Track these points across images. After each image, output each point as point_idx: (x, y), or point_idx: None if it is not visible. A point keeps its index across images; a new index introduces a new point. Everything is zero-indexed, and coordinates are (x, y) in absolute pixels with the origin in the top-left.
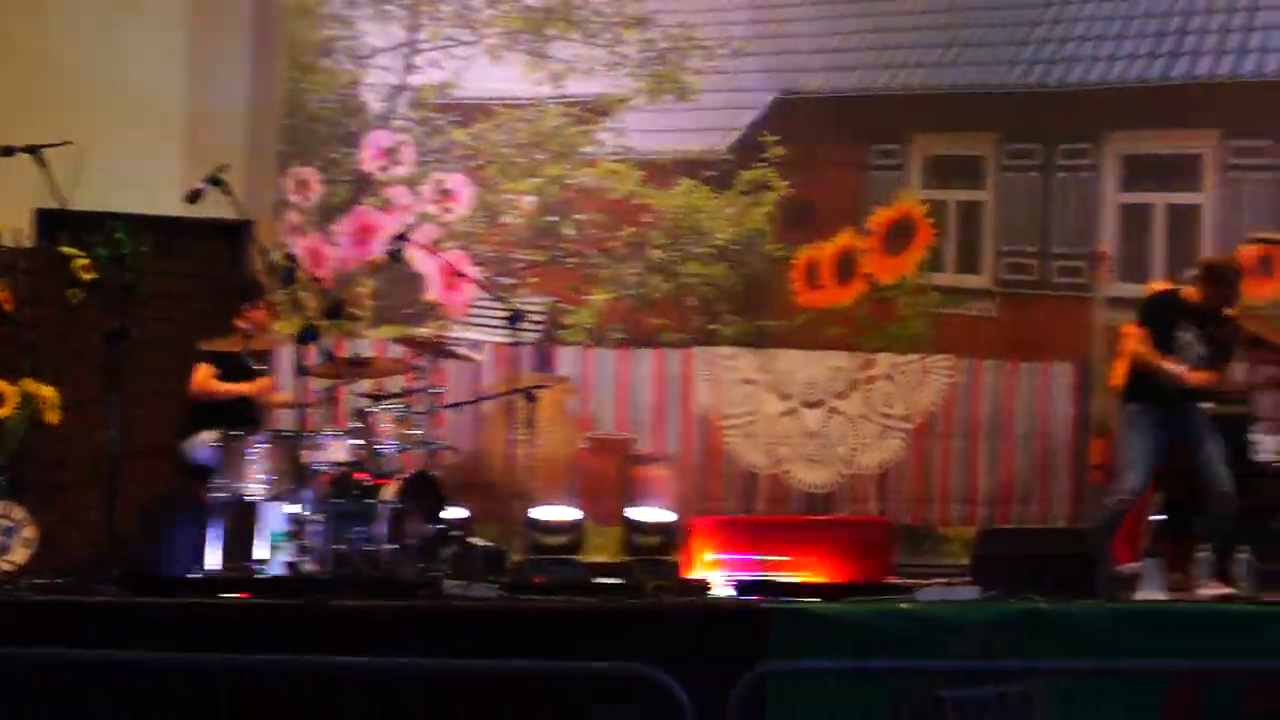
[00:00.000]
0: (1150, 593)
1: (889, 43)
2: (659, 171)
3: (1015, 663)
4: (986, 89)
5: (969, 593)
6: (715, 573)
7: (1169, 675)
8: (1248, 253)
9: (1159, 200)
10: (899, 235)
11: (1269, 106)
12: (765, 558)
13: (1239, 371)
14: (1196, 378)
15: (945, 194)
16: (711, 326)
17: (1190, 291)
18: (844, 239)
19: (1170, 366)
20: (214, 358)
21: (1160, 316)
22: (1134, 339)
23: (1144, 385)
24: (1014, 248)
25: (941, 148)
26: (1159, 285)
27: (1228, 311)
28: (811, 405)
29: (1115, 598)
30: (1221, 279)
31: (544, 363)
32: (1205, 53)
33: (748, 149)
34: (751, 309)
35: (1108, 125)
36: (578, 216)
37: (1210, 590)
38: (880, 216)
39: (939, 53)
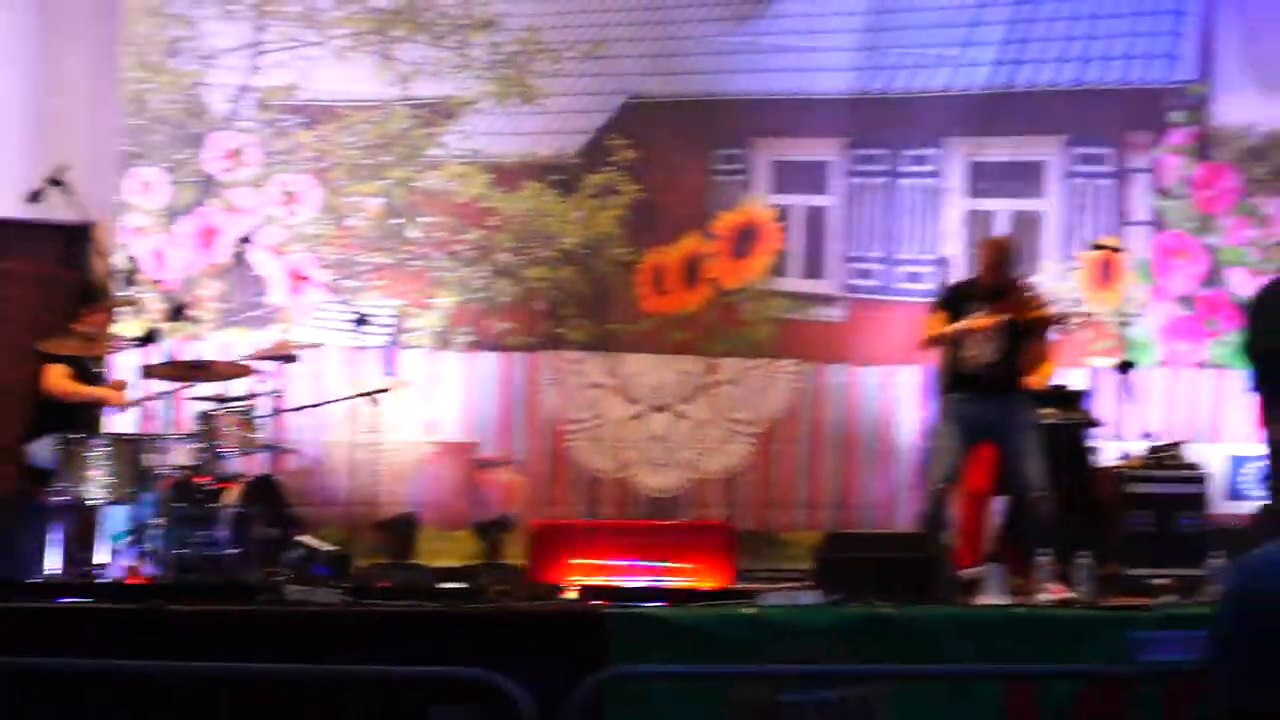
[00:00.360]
0: (991, 597)
1: (736, 48)
2: (506, 175)
3: (856, 667)
4: (832, 95)
5: (811, 597)
6: (559, 577)
7: (1007, 679)
8: (1090, 259)
9: (1003, 206)
10: (745, 240)
11: (1109, 115)
12: (609, 562)
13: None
14: (980, 321)
15: (791, 199)
16: (558, 330)
17: (978, 275)
18: (690, 244)
19: (959, 326)
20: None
21: (952, 300)
22: (926, 324)
23: (958, 377)
24: (859, 253)
25: (788, 153)
26: None
27: (1014, 285)
28: (658, 410)
29: (956, 602)
30: (996, 254)
31: (389, 366)
32: (1048, 61)
33: (595, 153)
34: (598, 313)
35: (953, 132)
36: (424, 219)
37: (1050, 594)
38: (726, 221)
39: (784, 58)
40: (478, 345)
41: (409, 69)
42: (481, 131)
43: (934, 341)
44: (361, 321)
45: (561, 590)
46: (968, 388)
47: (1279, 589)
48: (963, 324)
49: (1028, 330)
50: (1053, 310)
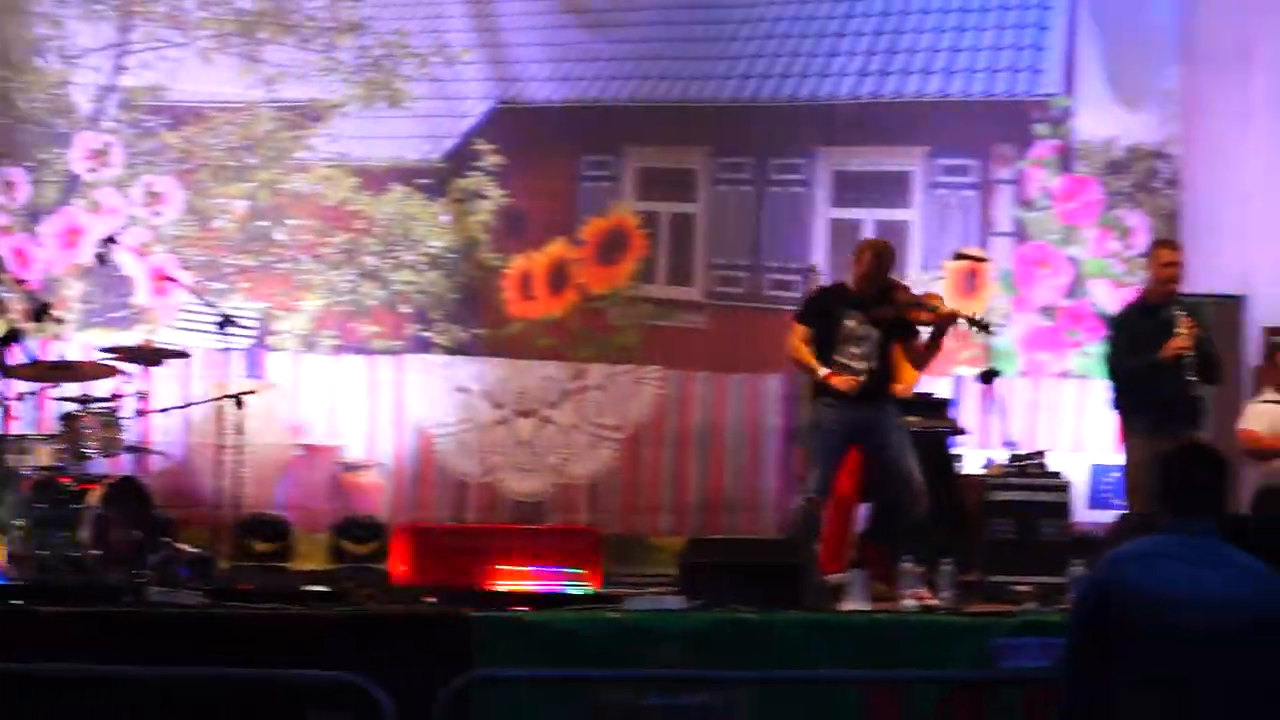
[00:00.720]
0: (855, 603)
1: (604, 54)
2: (373, 178)
3: (719, 672)
4: (699, 102)
5: (676, 602)
6: (424, 581)
7: (870, 684)
8: (954, 269)
9: (869, 216)
10: (612, 246)
11: (974, 127)
12: (474, 566)
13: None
14: (837, 381)
15: (658, 206)
16: (425, 334)
17: (849, 280)
18: (558, 249)
19: (818, 368)
20: None
21: (819, 310)
22: (793, 335)
23: (821, 383)
24: (725, 261)
25: (654, 160)
26: None
27: (890, 287)
28: (524, 414)
29: (820, 608)
30: (856, 259)
31: (255, 368)
32: (913, 72)
33: (463, 157)
34: (465, 317)
35: (820, 141)
36: (290, 222)
37: (913, 601)
38: (593, 227)
39: (653, 65)
40: (344, 348)
41: (275, 71)
42: (348, 135)
43: (793, 357)
44: (226, 323)
45: (426, 594)
46: (841, 394)
47: (1140, 582)
48: (824, 375)
49: (907, 332)
50: (924, 301)
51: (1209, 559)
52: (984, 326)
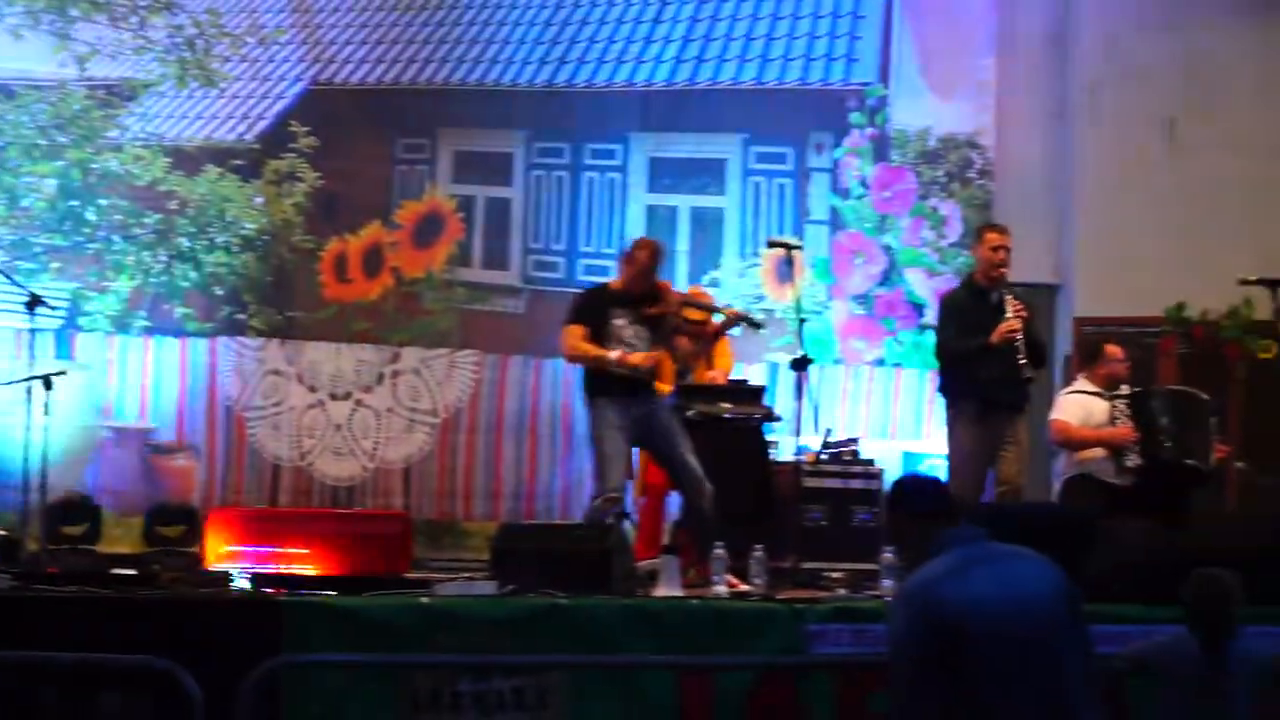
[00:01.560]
0: (667, 589)
1: (419, 37)
2: (186, 159)
3: (530, 657)
4: (515, 87)
5: (488, 587)
6: (234, 565)
7: (681, 670)
8: (770, 256)
9: (685, 202)
10: (427, 230)
11: (789, 114)
12: (285, 550)
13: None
14: (634, 358)
15: (474, 190)
16: (238, 317)
17: (616, 281)
18: (372, 232)
19: (608, 354)
20: None
21: (591, 310)
22: (567, 336)
23: (602, 381)
24: (541, 245)
25: (470, 144)
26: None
27: (657, 286)
28: (338, 398)
29: (632, 594)
30: (630, 258)
31: (65, 350)
32: (730, 59)
33: (277, 139)
34: (279, 300)
35: (636, 126)
36: (102, 202)
37: (725, 587)
38: (409, 211)
39: (469, 49)
40: (156, 330)
41: (87, 50)
42: (161, 114)
43: (575, 357)
44: (35, 303)
45: (237, 578)
46: (618, 392)
47: (948, 597)
48: (618, 356)
49: (674, 330)
50: (694, 300)
51: (996, 560)
52: (756, 325)
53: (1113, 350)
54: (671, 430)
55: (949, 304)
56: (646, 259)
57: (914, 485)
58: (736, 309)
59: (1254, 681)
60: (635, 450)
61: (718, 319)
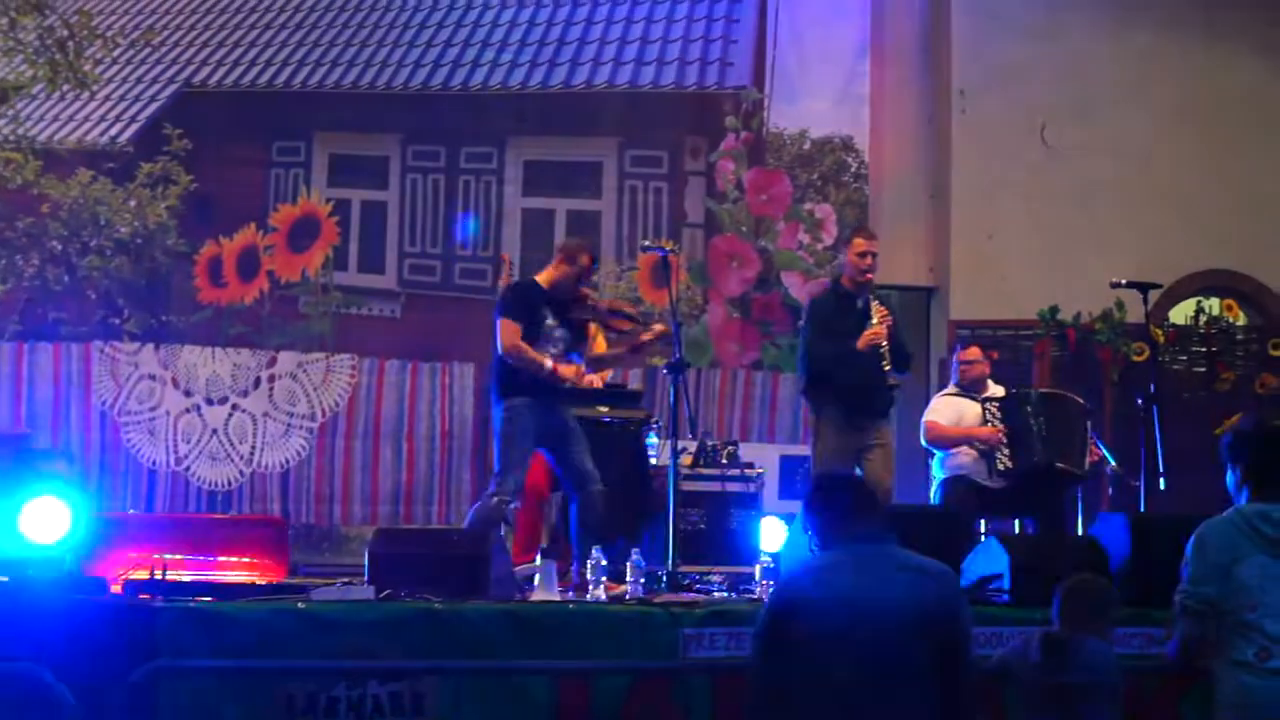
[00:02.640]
0: (545, 593)
1: (294, 40)
2: (58, 161)
3: (406, 662)
4: (390, 90)
5: (365, 592)
6: (109, 572)
7: (559, 675)
8: (646, 260)
9: (560, 205)
10: (302, 233)
11: (664, 117)
12: (161, 556)
13: None
14: (566, 371)
15: (349, 193)
16: (113, 320)
17: (548, 275)
18: (247, 236)
19: (545, 362)
20: None
21: (526, 307)
22: (508, 333)
23: (524, 380)
24: (417, 249)
25: (346, 147)
26: None
27: (581, 291)
28: (214, 402)
29: (510, 598)
30: (571, 259)
31: None
32: (605, 62)
33: (150, 142)
34: (153, 304)
35: (511, 130)
36: None
37: (602, 591)
38: (283, 214)
39: (343, 51)
40: (28, 334)
41: None
42: (33, 117)
43: (514, 354)
44: None
45: (110, 585)
46: (539, 393)
47: (795, 593)
48: (555, 368)
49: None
50: (621, 308)
51: (875, 566)
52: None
53: (964, 353)
54: (573, 433)
55: (815, 308)
56: (586, 263)
57: (826, 483)
58: (662, 326)
59: (1105, 685)
60: None
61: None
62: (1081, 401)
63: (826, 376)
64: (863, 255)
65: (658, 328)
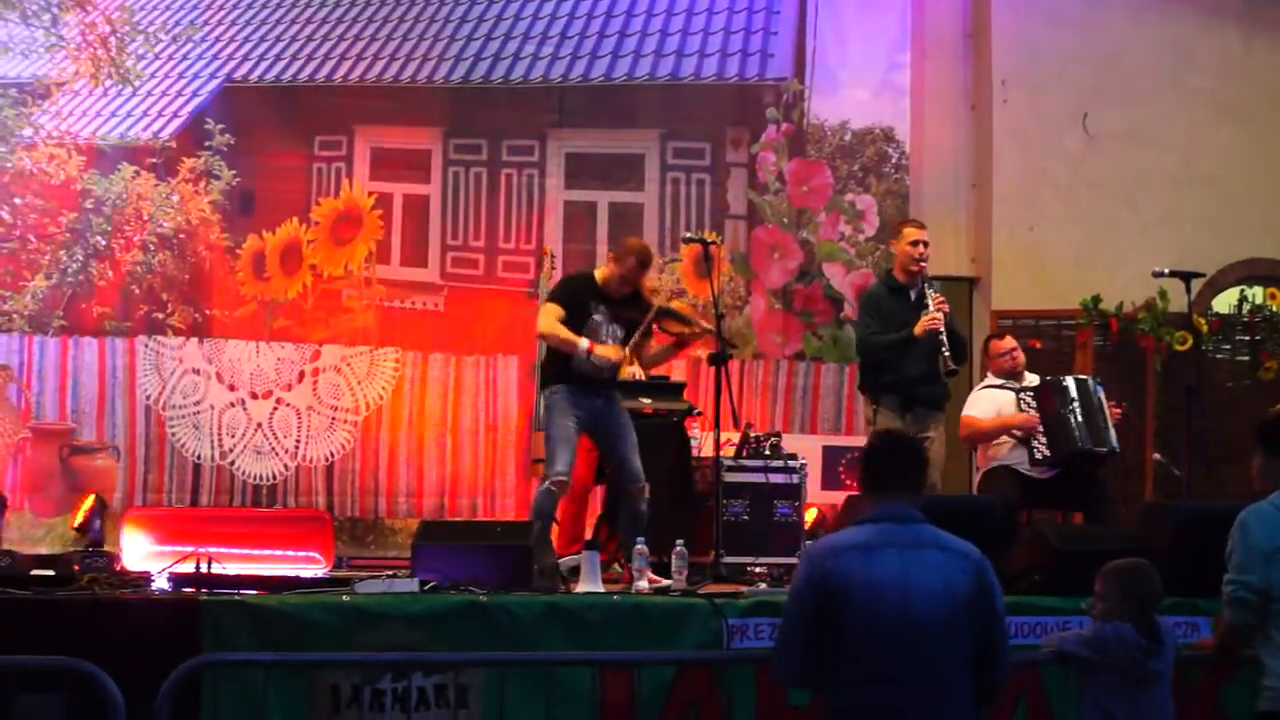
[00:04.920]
0: (588, 585)
1: (335, 34)
2: (101, 157)
3: (451, 654)
4: (432, 84)
5: (409, 585)
6: (154, 565)
7: (602, 666)
8: (689, 252)
9: (603, 198)
10: (345, 227)
11: (705, 109)
12: (205, 550)
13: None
14: (602, 351)
15: (391, 187)
16: (157, 315)
17: (603, 273)
18: (289, 230)
19: (579, 341)
20: None
21: (574, 295)
22: (547, 314)
23: (562, 368)
24: (460, 242)
25: (388, 141)
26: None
27: (638, 290)
28: (258, 396)
29: (554, 590)
30: (619, 259)
31: None
32: (646, 55)
33: (193, 137)
34: (197, 298)
35: (553, 123)
36: (17, 200)
37: (646, 583)
38: (326, 208)
39: (385, 45)
40: (73, 329)
41: None
42: (76, 113)
43: (547, 335)
44: None
45: (156, 578)
46: (583, 382)
47: (854, 570)
48: (589, 346)
49: (646, 337)
50: (675, 311)
51: (914, 546)
52: (729, 344)
53: (996, 344)
54: (622, 425)
55: (868, 300)
56: (633, 266)
57: (885, 438)
58: (707, 326)
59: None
60: None
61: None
62: (1085, 377)
63: (883, 368)
64: (915, 245)
65: (697, 328)
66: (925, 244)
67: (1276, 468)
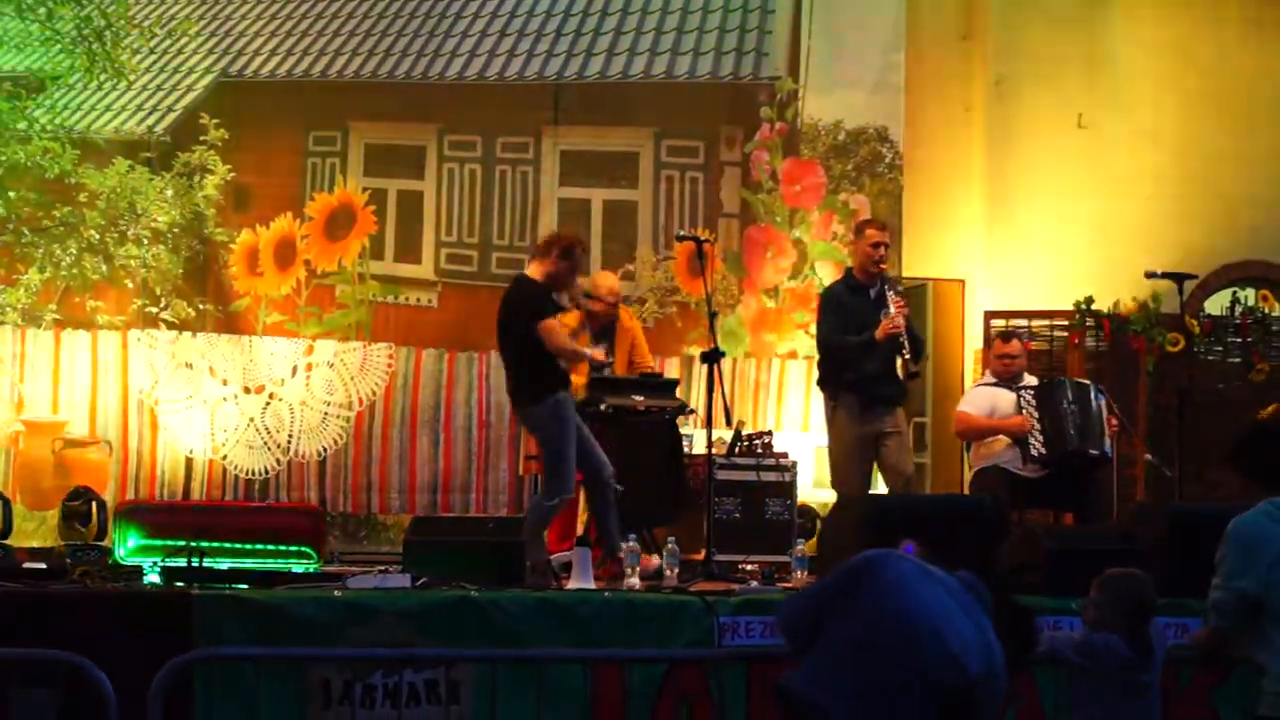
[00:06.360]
0: (580, 581)
1: (331, 29)
2: (96, 151)
3: (442, 650)
4: (427, 80)
5: (401, 580)
6: (146, 559)
7: (593, 663)
8: (682, 249)
9: (597, 195)
10: (339, 223)
11: (699, 107)
12: (197, 544)
13: None
14: (601, 354)
15: (386, 183)
16: (150, 309)
17: (534, 273)
18: (283, 225)
19: (592, 352)
20: None
21: (551, 304)
22: (558, 334)
23: (557, 375)
24: (454, 238)
25: (382, 137)
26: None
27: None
28: (251, 391)
29: (545, 586)
30: (564, 252)
31: None
32: (640, 52)
33: (187, 131)
34: (190, 293)
35: (547, 120)
36: (10, 194)
37: (637, 580)
38: (320, 203)
39: (380, 41)
40: (67, 323)
41: None
42: (70, 106)
43: (561, 348)
44: None
45: (148, 572)
46: (566, 386)
47: (906, 610)
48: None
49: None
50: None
51: (970, 609)
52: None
53: (1006, 346)
54: (581, 423)
55: (828, 298)
56: (580, 256)
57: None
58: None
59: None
60: None
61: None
62: (1088, 383)
63: (843, 367)
64: (875, 246)
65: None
66: (886, 245)
67: (1253, 485)
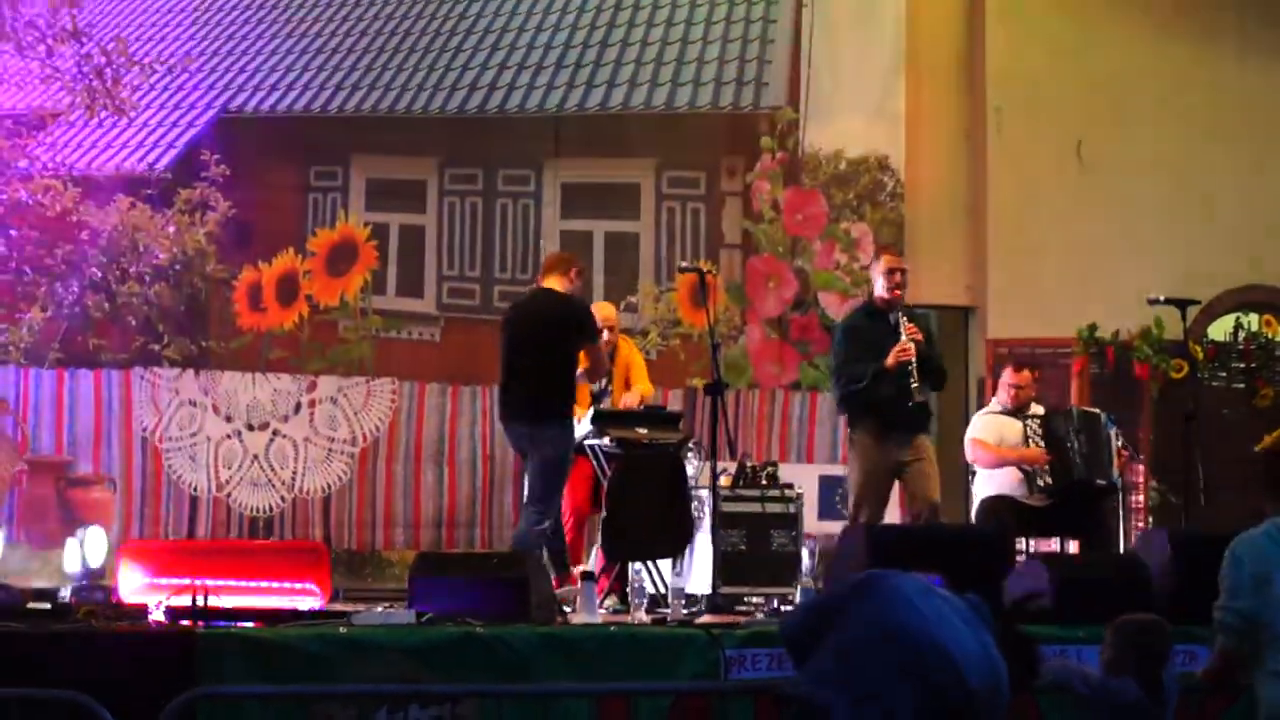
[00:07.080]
0: (585, 615)
1: (330, 65)
2: (97, 189)
3: (447, 686)
4: (427, 114)
5: (406, 616)
6: (150, 597)
7: (599, 697)
8: (685, 280)
9: (598, 227)
10: (341, 258)
11: (700, 138)
12: (202, 582)
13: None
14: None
15: (387, 217)
16: (153, 347)
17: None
18: (285, 261)
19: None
20: None
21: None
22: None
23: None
24: (455, 272)
25: (383, 171)
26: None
27: None
28: (255, 428)
29: (550, 621)
30: (580, 272)
31: None
32: (640, 84)
33: (188, 168)
34: (193, 330)
35: (548, 152)
36: (12, 232)
37: (643, 613)
38: (322, 239)
39: (380, 75)
40: (69, 361)
41: None
42: (71, 144)
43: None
44: None
45: (152, 610)
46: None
47: (907, 621)
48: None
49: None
50: None
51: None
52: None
53: (1017, 376)
54: None
55: (846, 327)
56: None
57: None
58: None
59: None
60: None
61: None
62: (1098, 412)
63: (859, 394)
64: (891, 273)
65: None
66: (902, 272)
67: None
